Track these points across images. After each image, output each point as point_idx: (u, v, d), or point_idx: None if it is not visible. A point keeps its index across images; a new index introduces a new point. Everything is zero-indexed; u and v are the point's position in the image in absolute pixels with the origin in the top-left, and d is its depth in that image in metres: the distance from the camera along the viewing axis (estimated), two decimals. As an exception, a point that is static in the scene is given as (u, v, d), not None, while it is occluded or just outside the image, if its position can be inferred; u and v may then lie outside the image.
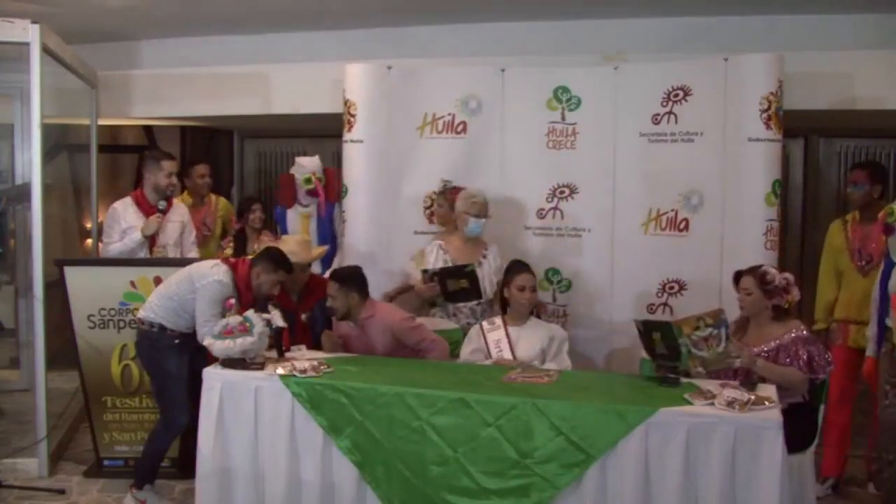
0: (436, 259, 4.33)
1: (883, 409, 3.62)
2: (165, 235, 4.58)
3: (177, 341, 3.82)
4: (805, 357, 3.36)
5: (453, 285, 4.11)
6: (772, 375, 3.33)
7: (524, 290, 3.89)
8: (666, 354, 3.31)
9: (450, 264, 4.29)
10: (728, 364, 3.34)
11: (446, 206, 4.66)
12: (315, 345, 4.06)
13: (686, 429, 2.90)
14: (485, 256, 4.38)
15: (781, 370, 3.37)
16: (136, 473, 3.94)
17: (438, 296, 4.23)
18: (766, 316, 3.52)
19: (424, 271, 4.26)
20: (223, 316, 3.64)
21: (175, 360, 3.83)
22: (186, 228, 4.77)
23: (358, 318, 3.97)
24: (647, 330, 3.39)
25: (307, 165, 5.03)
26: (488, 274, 4.35)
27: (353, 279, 3.98)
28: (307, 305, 4.18)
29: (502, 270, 4.17)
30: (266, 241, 5.05)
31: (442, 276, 4.16)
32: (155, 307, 3.81)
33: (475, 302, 4.26)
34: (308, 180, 4.97)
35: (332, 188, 5.09)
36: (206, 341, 3.51)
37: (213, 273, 3.73)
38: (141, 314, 3.84)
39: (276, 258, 3.86)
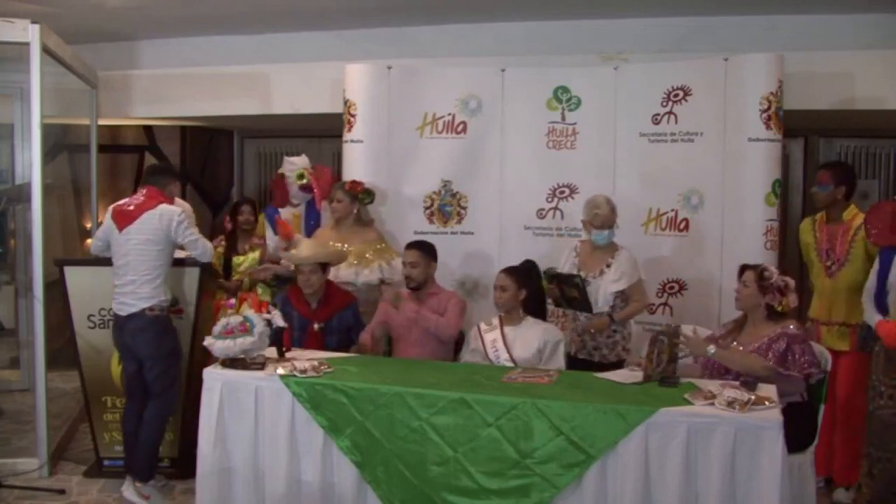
0: (566, 260, 4.25)
1: (875, 409, 3.62)
2: None
3: (173, 323, 4.09)
4: (781, 349, 3.37)
5: (568, 292, 4.05)
6: (731, 363, 3.39)
7: (496, 290, 3.91)
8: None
9: (575, 268, 4.17)
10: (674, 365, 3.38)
11: (346, 199, 4.68)
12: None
13: (686, 429, 2.90)
14: (608, 266, 4.10)
15: (741, 357, 3.41)
16: (138, 466, 3.95)
17: (559, 298, 4.15)
18: (760, 314, 3.54)
19: (545, 271, 4.18)
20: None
21: (178, 340, 4.08)
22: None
23: (426, 292, 4.07)
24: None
25: (298, 162, 5.03)
26: (606, 283, 4.08)
27: (433, 251, 4.11)
28: (323, 315, 4.16)
29: (628, 280, 4.07)
30: (258, 242, 5.10)
31: (559, 281, 4.09)
32: (156, 291, 3.89)
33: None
34: (301, 175, 4.98)
35: (324, 187, 5.06)
36: (207, 341, 3.51)
37: (174, 211, 3.94)
38: (149, 304, 3.87)
39: (170, 169, 4.22)
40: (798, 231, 4.32)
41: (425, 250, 4.11)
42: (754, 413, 2.90)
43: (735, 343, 3.57)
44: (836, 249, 4.00)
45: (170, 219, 3.90)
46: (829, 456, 4.11)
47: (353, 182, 4.78)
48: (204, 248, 4.03)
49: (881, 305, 3.65)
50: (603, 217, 4.09)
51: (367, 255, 4.60)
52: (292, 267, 4.56)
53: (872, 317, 3.68)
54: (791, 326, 3.46)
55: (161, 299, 3.92)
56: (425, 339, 4.08)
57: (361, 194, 4.75)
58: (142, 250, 3.87)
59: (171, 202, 4.07)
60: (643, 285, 4.17)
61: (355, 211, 4.74)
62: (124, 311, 3.91)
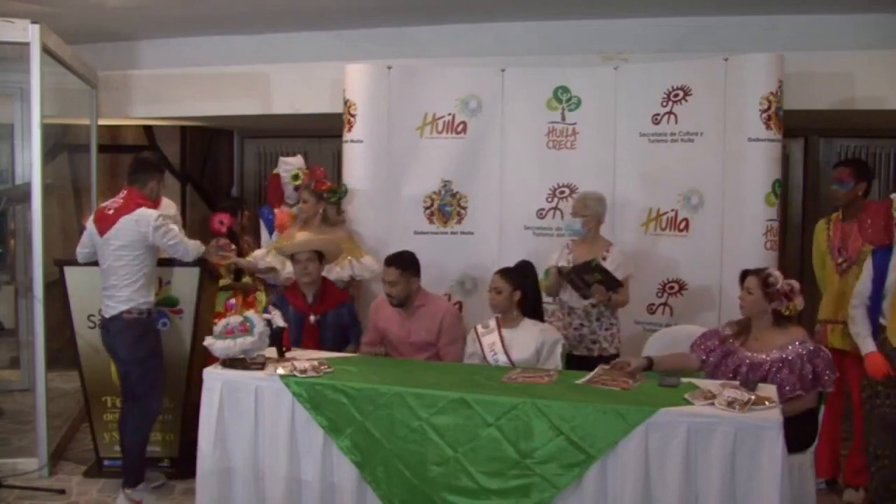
0: (559, 257, 4.29)
1: (874, 408, 3.62)
2: None
3: (158, 327, 4.06)
4: (811, 374, 3.33)
5: (591, 279, 4.05)
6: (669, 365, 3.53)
7: (491, 292, 3.91)
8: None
9: (570, 262, 4.21)
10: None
11: (312, 199, 4.71)
12: (322, 347, 4.07)
13: (686, 429, 2.90)
14: (604, 259, 4.17)
15: (674, 360, 3.61)
16: (127, 471, 3.95)
17: (584, 289, 4.15)
18: (766, 320, 3.50)
19: (559, 269, 4.18)
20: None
21: (160, 345, 4.04)
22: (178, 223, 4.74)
23: (412, 305, 4.05)
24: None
25: (293, 163, 5.04)
26: None
27: (414, 265, 4.08)
28: (319, 309, 4.20)
29: (624, 270, 4.14)
30: (248, 240, 5.14)
31: (578, 272, 4.08)
32: (135, 295, 3.87)
33: (588, 302, 4.16)
34: (296, 176, 4.98)
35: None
36: (207, 341, 3.51)
37: (151, 216, 3.86)
38: (126, 307, 3.86)
39: (151, 162, 4.11)
40: (799, 231, 4.32)
41: (404, 267, 4.01)
42: (754, 413, 2.90)
43: (743, 348, 3.52)
44: (849, 248, 3.98)
45: (147, 223, 3.84)
46: (832, 457, 4.12)
47: (318, 181, 4.78)
48: (185, 250, 3.98)
49: (876, 309, 3.64)
50: (574, 204, 4.33)
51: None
52: (260, 265, 4.63)
53: (865, 341, 3.63)
54: (804, 340, 3.41)
55: (140, 302, 3.88)
56: (417, 351, 4.08)
57: (327, 193, 4.77)
58: (119, 255, 3.85)
59: (152, 202, 3.98)
60: (629, 282, 4.24)
61: (321, 211, 4.76)
62: (108, 314, 3.92)
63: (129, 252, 3.85)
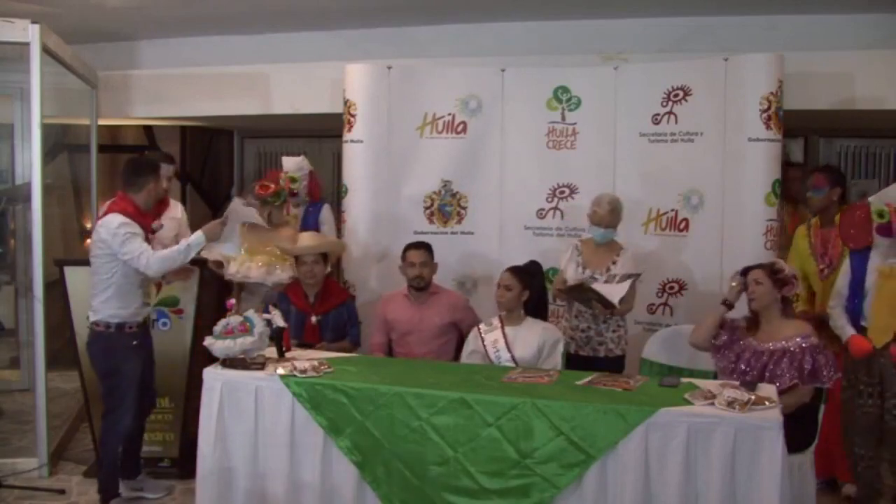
0: (569, 258, 4.26)
1: (859, 408, 3.66)
2: (162, 235, 4.31)
3: (134, 342, 3.80)
4: (809, 366, 3.34)
5: (590, 296, 4.04)
6: (790, 407, 3.26)
7: (499, 288, 3.92)
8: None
9: (580, 264, 4.20)
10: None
11: (256, 203, 4.55)
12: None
13: (686, 429, 2.90)
14: (614, 263, 4.18)
15: (796, 399, 3.34)
16: (100, 488, 3.85)
17: (585, 304, 4.14)
18: (776, 310, 3.52)
19: (559, 289, 4.17)
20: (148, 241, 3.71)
21: (132, 363, 3.80)
22: (183, 227, 4.68)
23: (428, 292, 4.20)
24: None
25: (285, 166, 4.90)
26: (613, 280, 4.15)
27: (433, 252, 4.25)
28: (321, 309, 4.24)
29: (633, 279, 4.07)
30: None
31: (577, 291, 4.07)
32: (103, 306, 3.73)
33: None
34: (294, 180, 4.89)
35: (313, 188, 4.97)
36: (207, 341, 3.51)
37: (111, 223, 3.63)
38: (94, 318, 3.75)
39: (139, 164, 3.85)
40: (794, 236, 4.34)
41: (430, 250, 4.25)
42: (754, 413, 2.90)
43: (754, 341, 3.53)
44: (829, 253, 4.04)
45: (106, 230, 3.65)
46: (830, 457, 4.12)
47: (260, 186, 4.68)
48: (146, 263, 3.63)
49: (855, 310, 3.66)
50: (600, 216, 4.18)
51: (278, 254, 4.50)
52: (231, 271, 4.46)
53: (845, 329, 3.71)
54: (810, 335, 3.43)
55: (108, 315, 3.72)
56: (427, 339, 4.12)
57: (270, 197, 4.66)
58: (93, 261, 3.75)
59: (134, 208, 3.73)
60: (636, 288, 4.21)
61: (266, 214, 4.62)
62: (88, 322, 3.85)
63: (96, 259, 3.72)
